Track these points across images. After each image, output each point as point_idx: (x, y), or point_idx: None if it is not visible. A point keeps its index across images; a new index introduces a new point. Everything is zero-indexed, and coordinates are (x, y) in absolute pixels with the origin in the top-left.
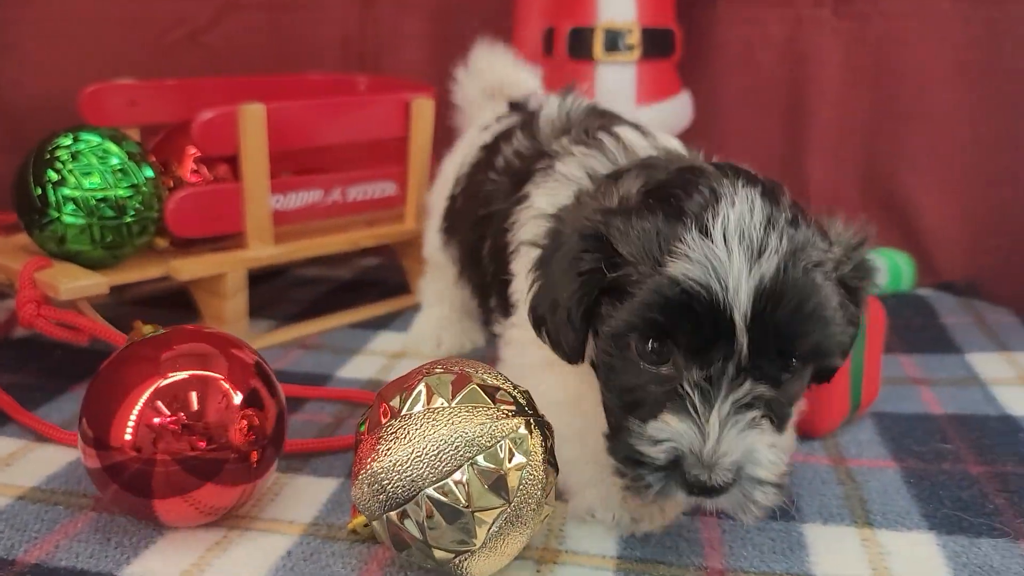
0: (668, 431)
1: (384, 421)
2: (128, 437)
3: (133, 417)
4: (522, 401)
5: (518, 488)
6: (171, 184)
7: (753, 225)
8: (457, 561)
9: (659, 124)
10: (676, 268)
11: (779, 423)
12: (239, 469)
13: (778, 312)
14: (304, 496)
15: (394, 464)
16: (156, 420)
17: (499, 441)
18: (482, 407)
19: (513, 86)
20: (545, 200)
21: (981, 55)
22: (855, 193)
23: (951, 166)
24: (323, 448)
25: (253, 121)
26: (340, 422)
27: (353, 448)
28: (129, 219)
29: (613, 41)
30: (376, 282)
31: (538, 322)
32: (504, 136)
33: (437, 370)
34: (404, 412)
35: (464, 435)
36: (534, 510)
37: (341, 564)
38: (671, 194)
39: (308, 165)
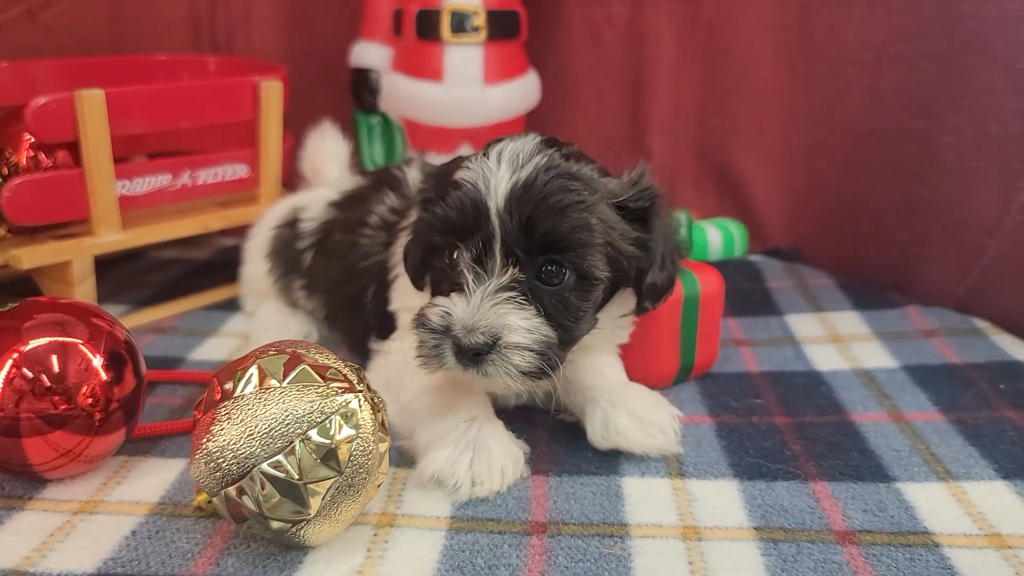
0: (446, 302)
1: (218, 402)
2: None
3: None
4: (352, 378)
5: (349, 459)
6: (5, 171)
7: (523, 150)
8: (294, 530)
9: (507, 104)
10: (459, 173)
11: (556, 322)
12: (86, 424)
13: (525, 204)
14: (152, 477)
15: (227, 443)
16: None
17: (329, 416)
18: (312, 385)
19: (321, 175)
20: None
21: (795, 37)
22: (691, 166)
23: (772, 140)
24: (171, 431)
25: (92, 107)
26: (191, 403)
27: (191, 428)
28: None
29: (460, 22)
30: (232, 263)
31: (409, 267)
32: (357, 197)
33: (270, 352)
34: (237, 393)
35: (294, 413)
36: (365, 479)
37: (186, 539)
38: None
39: (166, 146)
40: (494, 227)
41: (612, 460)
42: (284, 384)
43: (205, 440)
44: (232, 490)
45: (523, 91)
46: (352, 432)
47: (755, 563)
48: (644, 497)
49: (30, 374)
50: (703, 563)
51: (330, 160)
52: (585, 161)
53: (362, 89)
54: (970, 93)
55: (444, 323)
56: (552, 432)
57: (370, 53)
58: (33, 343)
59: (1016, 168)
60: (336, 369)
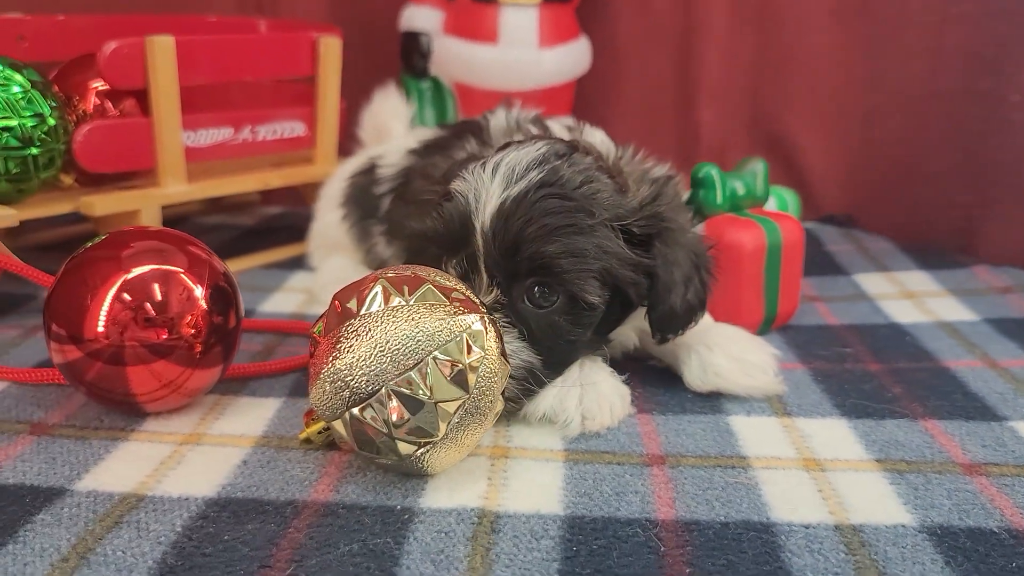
0: None
1: (343, 321)
2: (101, 329)
3: (104, 312)
4: (475, 300)
5: (476, 380)
6: (74, 119)
7: (520, 163)
8: (419, 454)
9: (561, 67)
10: (452, 185)
11: (545, 346)
12: (187, 355)
13: (511, 225)
14: (248, 414)
15: (357, 360)
16: (124, 313)
17: (457, 336)
18: (439, 305)
19: (387, 134)
20: None
21: (852, 0)
22: (743, 134)
23: (828, 106)
24: (262, 372)
25: (162, 53)
26: (271, 350)
27: (310, 353)
28: (35, 150)
29: None
30: (282, 228)
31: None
32: (438, 145)
33: (389, 274)
34: (364, 312)
35: (424, 330)
36: (490, 403)
37: (299, 468)
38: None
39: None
40: (479, 246)
41: (714, 401)
42: (411, 303)
43: (331, 359)
44: (357, 410)
45: (576, 56)
46: (480, 353)
47: (885, 491)
48: (756, 434)
49: (134, 302)
50: (833, 491)
51: (395, 118)
52: (599, 174)
53: (413, 53)
54: None
55: None
56: (645, 376)
57: (421, 16)
58: (136, 271)
59: None
60: (459, 291)
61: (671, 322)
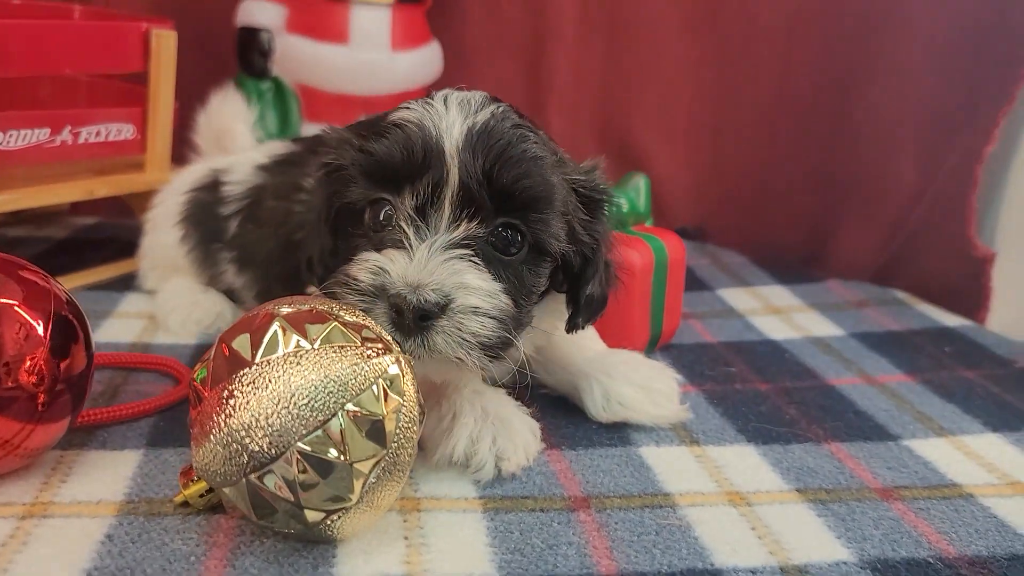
0: (378, 257)
1: (235, 370)
2: None
3: None
4: (387, 337)
5: (395, 432)
6: None
7: (473, 98)
8: (329, 521)
9: (414, 72)
10: (393, 115)
11: (514, 294)
12: (28, 407)
13: (487, 148)
14: (103, 473)
15: (256, 418)
16: None
17: (372, 383)
18: (349, 347)
19: (228, 138)
20: None
21: (703, 13)
22: (592, 142)
23: (678, 118)
24: (114, 418)
25: None
26: (116, 389)
27: (191, 404)
28: None
29: None
30: (98, 241)
31: (307, 265)
32: (290, 161)
33: (284, 309)
34: (259, 358)
35: (334, 379)
36: (410, 456)
37: (180, 541)
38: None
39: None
40: (448, 170)
41: (619, 431)
42: (316, 346)
43: (223, 416)
44: (257, 476)
45: (428, 60)
46: (398, 400)
47: (814, 524)
48: (670, 466)
49: None
50: (766, 529)
51: (237, 121)
52: (534, 129)
53: (251, 51)
54: (886, 70)
55: (378, 282)
56: (542, 407)
57: (261, 11)
58: None
59: (935, 142)
60: (369, 328)
61: (590, 306)
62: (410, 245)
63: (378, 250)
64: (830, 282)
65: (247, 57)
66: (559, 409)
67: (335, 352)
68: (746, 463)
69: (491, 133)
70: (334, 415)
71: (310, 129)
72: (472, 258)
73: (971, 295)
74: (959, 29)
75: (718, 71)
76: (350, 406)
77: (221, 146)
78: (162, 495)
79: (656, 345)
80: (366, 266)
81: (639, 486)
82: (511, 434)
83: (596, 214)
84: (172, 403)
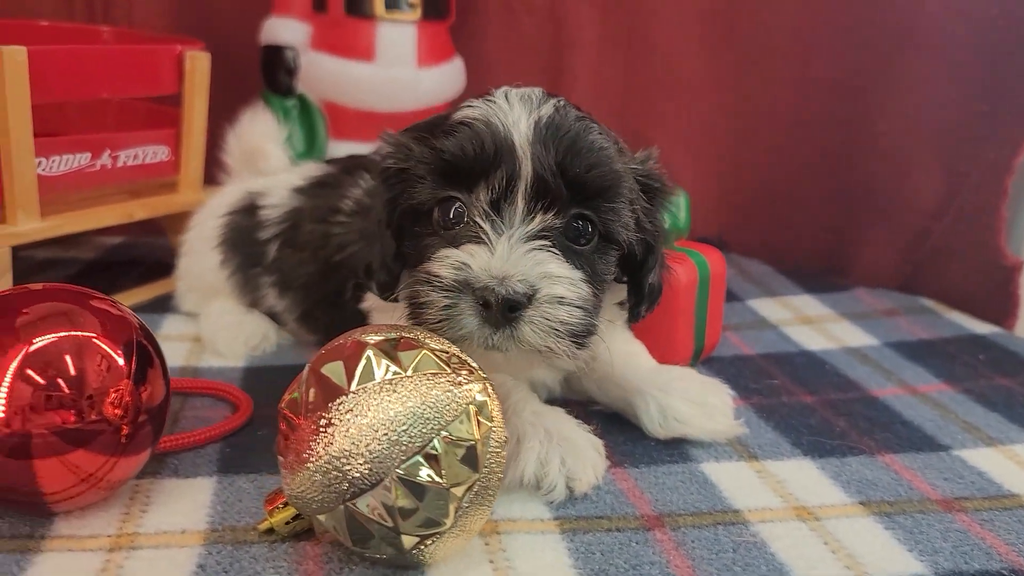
0: (458, 253)
1: (331, 398)
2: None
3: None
4: (473, 364)
5: (487, 457)
6: None
7: (534, 93)
8: (423, 546)
9: (439, 88)
10: (457, 115)
11: (590, 283)
12: (112, 440)
13: (558, 140)
14: (182, 502)
15: (356, 445)
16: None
17: (464, 409)
18: (441, 374)
19: (260, 158)
20: None
21: (721, 27)
22: None
23: (697, 129)
24: (187, 445)
25: (14, 66)
26: (175, 415)
27: (281, 437)
28: None
29: None
30: (128, 262)
31: (367, 273)
32: (326, 183)
33: (373, 337)
34: (356, 386)
35: (432, 405)
36: (498, 480)
37: (273, 569)
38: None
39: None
40: (521, 164)
41: (678, 447)
42: (409, 373)
43: (320, 445)
44: (355, 503)
45: (453, 76)
46: (487, 425)
47: (884, 537)
48: (734, 482)
49: (42, 380)
50: (838, 543)
51: (268, 140)
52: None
53: (276, 69)
54: (905, 80)
55: (461, 277)
56: (598, 424)
57: (286, 29)
58: (40, 340)
59: (959, 152)
60: (456, 355)
61: (652, 295)
62: (489, 239)
63: (454, 247)
64: (857, 291)
65: (272, 75)
66: (614, 425)
67: (429, 379)
68: (807, 477)
69: (559, 126)
70: (431, 441)
71: (336, 147)
72: (550, 248)
73: (999, 303)
74: (978, 40)
75: (736, 82)
76: (445, 432)
77: (252, 166)
78: (244, 523)
79: (699, 359)
80: (447, 262)
81: (708, 503)
82: (578, 454)
83: (655, 202)
84: (237, 428)
